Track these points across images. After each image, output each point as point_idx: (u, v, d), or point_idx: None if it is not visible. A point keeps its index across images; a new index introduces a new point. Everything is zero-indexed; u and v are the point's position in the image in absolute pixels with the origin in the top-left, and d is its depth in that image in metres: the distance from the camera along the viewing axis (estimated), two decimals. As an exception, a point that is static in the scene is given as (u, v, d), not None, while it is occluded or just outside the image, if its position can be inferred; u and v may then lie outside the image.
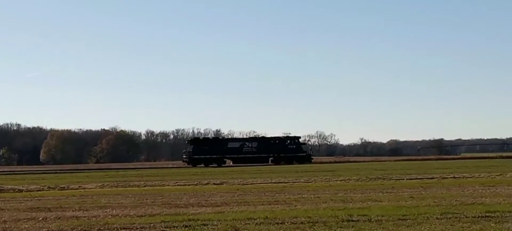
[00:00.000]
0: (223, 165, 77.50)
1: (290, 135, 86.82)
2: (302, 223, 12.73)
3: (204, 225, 13.34)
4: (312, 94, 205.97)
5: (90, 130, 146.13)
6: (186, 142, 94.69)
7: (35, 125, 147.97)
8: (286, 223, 12.89)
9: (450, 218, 13.14)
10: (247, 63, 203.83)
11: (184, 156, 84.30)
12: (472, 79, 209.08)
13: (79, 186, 33.21)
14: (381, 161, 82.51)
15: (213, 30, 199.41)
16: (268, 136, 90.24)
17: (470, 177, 35.13)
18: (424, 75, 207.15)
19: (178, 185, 33.45)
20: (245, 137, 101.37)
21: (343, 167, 56.45)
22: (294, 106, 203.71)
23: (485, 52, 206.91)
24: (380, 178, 36.09)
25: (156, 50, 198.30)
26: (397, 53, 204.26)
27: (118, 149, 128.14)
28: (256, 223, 13.01)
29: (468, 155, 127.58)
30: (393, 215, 13.63)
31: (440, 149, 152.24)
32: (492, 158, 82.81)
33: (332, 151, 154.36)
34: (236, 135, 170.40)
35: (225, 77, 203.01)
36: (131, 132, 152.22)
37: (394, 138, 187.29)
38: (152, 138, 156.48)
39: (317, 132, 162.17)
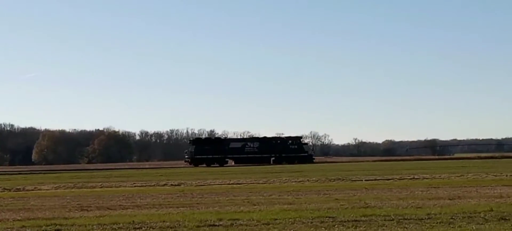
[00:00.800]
0: (225, 165, 77.46)
1: (292, 136, 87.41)
2: (151, 227, 12.82)
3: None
4: (306, 94, 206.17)
5: (84, 130, 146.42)
6: (188, 142, 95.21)
7: (29, 126, 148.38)
8: (129, 228, 12.89)
9: (312, 223, 13.02)
10: (242, 63, 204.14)
11: (186, 156, 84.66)
12: (469, 79, 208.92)
13: (35, 188, 33.38)
14: (364, 161, 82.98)
15: (208, 31, 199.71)
16: (269, 136, 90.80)
17: (428, 178, 35.20)
18: (421, 75, 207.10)
19: (134, 186, 33.61)
20: (247, 137, 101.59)
21: (322, 168, 56.41)
22: (289, 106, 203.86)
23: (481, 53, 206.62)
24: (340, 179, 36.22)
25: (151, 50, 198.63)
26: (394, 53, 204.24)
27: (110, 150, 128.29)
28: (111, 228, 13.07)
29: (461, 155, 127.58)
30: (263, 219, 13.66)
31: (432, 149, 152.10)
32: (481, 158, 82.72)
33: (326, 151, 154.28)
34: (231, 135, 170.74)
35: (220, 78, 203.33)
36: (125, 132, 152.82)
37: (389, 138, 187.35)
38: (147, 138, 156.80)
39: (311, 132, 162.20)
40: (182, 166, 77.36)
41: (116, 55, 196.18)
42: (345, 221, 13.04)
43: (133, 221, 13.97)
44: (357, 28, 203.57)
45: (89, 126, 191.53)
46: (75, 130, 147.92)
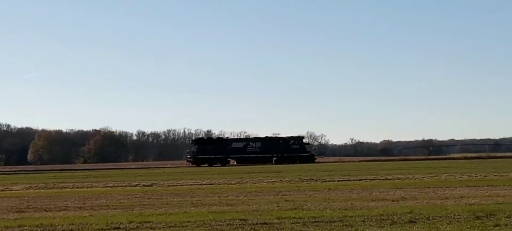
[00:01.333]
0: (227, 165, 77.88)
1: (294, 136, 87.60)
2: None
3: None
4: (303, 94, 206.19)
5: (81, 130, 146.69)
6: (190, 142, 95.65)
7: (26, 126, 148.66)
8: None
9: (216, 226, 12.91)
10: (238, 64, 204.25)
11: (188, 156, 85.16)
12: (466, 80, 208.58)
13: (6, 188, 33.41)
14: (350, 161, 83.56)
15: (204, 31, 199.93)
16: (270, 136, 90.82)
17: (401, 179, 35.10)
18: (418, 75, 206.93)
19: (105, 186, 33.55)
20: (248, 137, 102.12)
21: (311, 168, 56.27)
22: (285, 106, 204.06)
23: (478, 53, 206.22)
24: (313, 179, 36.12)
25: (149, 50, 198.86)
26: (392, 53, 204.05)
27: (106, 150, 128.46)
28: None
29: (455, 155, 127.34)
30: (173, 222, 13.58)
31: (427, 149, 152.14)
32: (468, 158, 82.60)
33: (323, 151, 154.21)
34: (228, 135, 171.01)
35: (217, 78, 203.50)
36: (122, 132, 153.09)
37: (387, 138, 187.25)
38: (144, 138, 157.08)
39: (307, 132, 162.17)
40: (174, 166, 77.32)
41: (113, 56, 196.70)
42: (253, 224, 12.93)
43: (41, 223, 13.93)
44: (354, 28, 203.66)
45: (87, 126, 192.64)
46: (72, 130, 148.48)
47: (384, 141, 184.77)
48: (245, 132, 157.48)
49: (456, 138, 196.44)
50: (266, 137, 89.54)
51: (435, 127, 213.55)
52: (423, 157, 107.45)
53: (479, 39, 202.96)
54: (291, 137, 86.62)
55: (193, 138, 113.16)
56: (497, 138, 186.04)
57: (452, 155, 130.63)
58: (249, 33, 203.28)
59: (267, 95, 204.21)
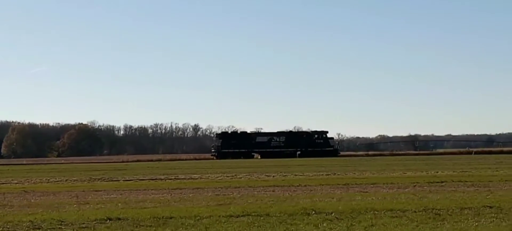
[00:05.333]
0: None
1: (318, 130, 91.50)
2: None
3: None
4: (294, 89, 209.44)
5: (60, 124, 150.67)
6: (215, 136, 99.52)
7: (4, 119, 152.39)
8: None
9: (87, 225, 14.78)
10: (225, 58, 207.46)
11: (212, 150, 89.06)
12: (463, 76, 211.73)
13: None
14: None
15: (192, 25, 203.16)
16: (295, 130, 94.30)
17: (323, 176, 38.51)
18: (415, 71, 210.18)
19: (33, 183, 35.94)
20: (273, 131, 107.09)
21: (316, 163, 58.72)
22: (273, 101, 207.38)
23: (475, 49, 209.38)
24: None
25: (135, 45, 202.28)
26: (387, 49, 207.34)
27: (81, 144, 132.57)
28: None
29: (441, 150, 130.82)
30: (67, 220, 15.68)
31: (413, 144, 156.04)
32: (457, 154, 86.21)
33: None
34: (214, 130, 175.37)
35: (204, 72, 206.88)
36: (109, 126, 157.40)
37: (382, 133, 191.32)
38: (131, 132, 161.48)
39: (295, 127, 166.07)
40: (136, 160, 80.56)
41: (100, 49, 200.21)
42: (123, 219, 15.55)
43: None
44: (349, 24, 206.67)
45: (73, 120, 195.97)
46: (58, 123, 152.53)
47: (379, 136, 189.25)
48: (232, 126, 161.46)
49: (453, 133, 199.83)
50: (290, 131, 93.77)
51: (431, 122, 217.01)
52: (425, 152, 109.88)
53: (476, 36, 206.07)
54: (315, 131, 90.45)
55: (217, 132, 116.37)
56: (493, 133, 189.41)
57: (436, 151, 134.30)
58: (237, 27, 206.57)
59: (254, 90, 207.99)
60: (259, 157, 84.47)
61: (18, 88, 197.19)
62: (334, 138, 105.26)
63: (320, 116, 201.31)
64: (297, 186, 27.34)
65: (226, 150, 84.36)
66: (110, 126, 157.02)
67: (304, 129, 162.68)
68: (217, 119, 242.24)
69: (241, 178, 35.00)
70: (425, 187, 25.48)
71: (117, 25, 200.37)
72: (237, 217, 15.78)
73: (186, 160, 76.34)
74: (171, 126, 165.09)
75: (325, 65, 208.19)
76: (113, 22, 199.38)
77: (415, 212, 16.31)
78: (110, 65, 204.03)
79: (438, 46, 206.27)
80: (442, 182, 28.41)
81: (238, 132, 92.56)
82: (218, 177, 36.22)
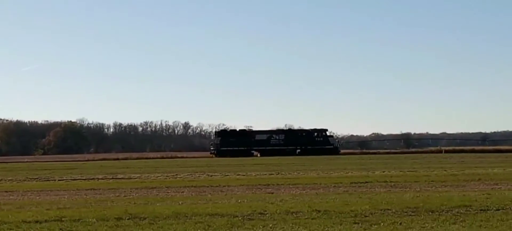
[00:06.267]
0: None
1: (318, 128, 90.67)
2: None
3: None
4: (283, 87, 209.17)
5: (48, 122, 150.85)
6: (214, 134, 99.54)
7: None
8: None
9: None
10: (215, 55, 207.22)
11: (211, 148, 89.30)
12: (459, 73, 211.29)
13: None
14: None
15: (182, 21, 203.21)
16: (295, 128, 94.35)
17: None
18: (411, 69, 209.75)
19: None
20: (273, 129, 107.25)
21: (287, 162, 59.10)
22: (263, 99, 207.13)
23: (470, 47, 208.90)
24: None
25: (125, 41, 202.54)
26: (381, 47, 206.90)
27: (67, 142, 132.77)
28: None
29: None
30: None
31: (405, 142, 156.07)
32: (428, 152, 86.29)
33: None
34: (205, 128, 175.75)
35: (194, 69, 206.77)
36: (98, 124, 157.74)
37: (376, 132, 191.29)
38: (121, 130, 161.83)
39: (285, 124, 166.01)
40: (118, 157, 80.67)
41: (89, 46, 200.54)
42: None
43: None
44: (342, 22, 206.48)
45: (62, 118, 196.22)
46: (47, 121, 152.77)
47: (373, 134, 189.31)
48: (223, 124, 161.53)
49: (448, 132, 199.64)
50: (290, 129, 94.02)
51: (426, 120, 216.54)
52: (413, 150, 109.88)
53: (470, 34, 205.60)
54: (315, 129, 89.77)
55: (216, 130, 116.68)
56: (488, 131, 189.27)
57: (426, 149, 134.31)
58: (227, 23, 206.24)
59: (244, 88, 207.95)
60: (258, 155, 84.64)
61: (9, 86, 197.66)
62: (334, 136, 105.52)
63: (313, 113, 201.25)
64: (216, 186, 27.18)
65: (225, 148, 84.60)
66: (99, 123, 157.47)
67: (296, 126, 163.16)
68: (208, 116, 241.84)
69: (177, 177, 34.84)
70: (341, 188, 25.27)
71: (109, 22, 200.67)
72: (44, 222, 15.22)
73: (153, 158, 76.26)
74: (161, 123, 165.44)
75: (318, 62, 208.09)
76: (105, 20, 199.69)
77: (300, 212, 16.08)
78: (102, 63, 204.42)
79: (433, 44, 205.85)
80: (365, 182, 28.21)
81: (237, 130, 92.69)
82: (158, 176, 36.13)
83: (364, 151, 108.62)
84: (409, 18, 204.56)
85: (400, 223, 13.80)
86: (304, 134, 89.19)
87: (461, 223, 13.54)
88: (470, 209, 16.04)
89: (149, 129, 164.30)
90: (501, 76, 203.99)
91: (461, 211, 15.74)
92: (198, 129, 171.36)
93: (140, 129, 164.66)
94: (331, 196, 20.78)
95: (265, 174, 36.90)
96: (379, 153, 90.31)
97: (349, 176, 33.64)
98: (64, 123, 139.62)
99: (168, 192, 24.41)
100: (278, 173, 38.05)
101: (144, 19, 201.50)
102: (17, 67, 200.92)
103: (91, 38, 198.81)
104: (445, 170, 37.64)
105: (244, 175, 36.08)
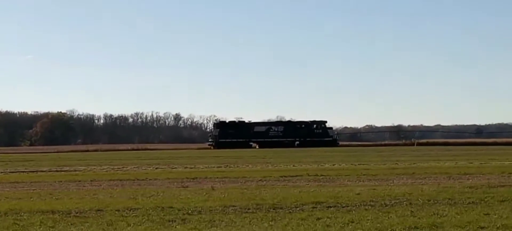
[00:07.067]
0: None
1: (317, 120, 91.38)
2: None
3: None
4: (275, 78, 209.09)
5: (38, 113, 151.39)
6: (212, 126, 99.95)
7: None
8: None
9: None
10: (206, 46, 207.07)
11: (210, 139, 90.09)
12: (453, 66, 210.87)
13: None
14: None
15: (171, 12, 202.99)
16: (295, 120, 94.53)
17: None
18: (406, 61, 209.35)
19: None
20: (271, 121, 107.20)
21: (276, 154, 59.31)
22: (256, 91, 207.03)
23: (465, 39, 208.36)
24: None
25: (114, 31, 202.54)
26: (377, 38, 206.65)
27: (54, 133, 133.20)
28: None
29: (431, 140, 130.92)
30: None
31: (397, 134, 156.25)
32: (401, 145, 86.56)
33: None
34: (197, 119, 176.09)
35: (185, 60, 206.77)
36: (89, 115, 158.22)
37: (370, 124, 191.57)
38: (111, 121, 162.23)
39: (277, 116, 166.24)
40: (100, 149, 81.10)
41: (79, 36, 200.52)
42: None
43: None
44: (336, 11, 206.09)
45: (53, 109, 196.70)
46: (37, 112, 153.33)
47: (366, 126, 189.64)
48: (214, 116, 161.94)
49: (442, 124, 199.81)
50: (289, 121, 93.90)
51: (420, 112, 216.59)
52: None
53: (464, 23, 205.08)
54: (314, 121, 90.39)
55: (215, 121, 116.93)
56: (482, 124, 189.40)
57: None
58: (218, 15, 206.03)
59: (236, 79, 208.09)
60: (257, 147, 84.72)
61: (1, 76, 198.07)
62: (333, 128, 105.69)
63: (306, 105, 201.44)
64: (142, 179, 27.39)
65: (224, 140, 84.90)
66: (90, 114, 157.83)
67: (288, 118, 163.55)
68: (200, 108, 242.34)
69: (120, 170, 35.03)
70: (253, 182, 25.11)
71: (102, 13, 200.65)
72: None
73: (125, 150, 76.62)
74: (152, 115, 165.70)
75: (311, 53, 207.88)
76: (97, 10, 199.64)
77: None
78: (95, 54, 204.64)
79: (428, 36, 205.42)
80: (294, 176, 28.33)
81: (236, 121, 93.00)
82: (103, 169, 36.43)
83: (365, 143, 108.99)
84: (403, 9, 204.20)
85: (215, 220, 13.57)
86: (303, 125, 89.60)
87: (271, 222, 13.22)
88: (310, 207, 15.66)
89: (139, 120, 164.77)
90: (496, 69, 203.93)
91: (297, 208, 15.46)
92: (189, 120, 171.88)
93: (131, 120, 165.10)
94: (220, 191, 20.75)
95: (213, 167, 37.15)
96: (376, 145, 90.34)
97: (285, 169, 33.75)
98: (52, 113, 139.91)
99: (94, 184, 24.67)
100: (227, 166, 38.23)
101: (136, 12, 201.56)
102: (8, 57, 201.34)
103: (87, 31, 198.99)
104: (383, 164, 37.70)
105: (185, 169, 36.29)
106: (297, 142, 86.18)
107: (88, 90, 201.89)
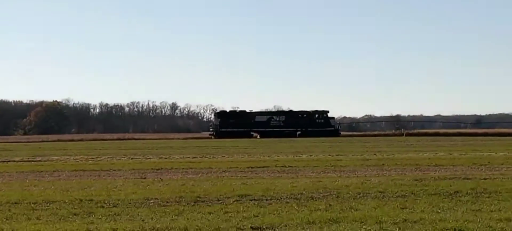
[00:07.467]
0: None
1: (319, 110, 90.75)
2: None
3: None
4: (274, 67, 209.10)
5: (34, 102, 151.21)
6: (213, 115, 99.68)
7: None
8: None
9: None
10: (202, 34, 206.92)
11: (210, 129, 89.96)
12: (453, 56, 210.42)
13: None
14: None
15: (169, 2, 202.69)
16: (295, 110, 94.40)
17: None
18: (404, 50, 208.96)
19: None
20: (273, 110, 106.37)
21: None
22: (253, 79, 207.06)
23: (465, 31, 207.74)
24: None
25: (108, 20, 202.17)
26: (378, 27, 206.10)
27: (48, 122, 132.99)
28: None
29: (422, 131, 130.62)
30: None
31: (394, 124, 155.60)
32: (391, 135, 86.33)
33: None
34: (193, 108, 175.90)
35: (181, 49, 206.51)
36: (84, 104, 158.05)
37: (369, 113, 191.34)
38: (107, 110, 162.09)
39: (274, 106, 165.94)
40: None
41: (74, 25, 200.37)
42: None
43: None
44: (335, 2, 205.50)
45: (49, 97, 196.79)
46: (32, 101, 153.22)
47: (365, 116, 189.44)
48: (211, 105, 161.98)
49: (442, 114, 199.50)
50: (290, 111, 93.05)
51: (421, 102, 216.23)
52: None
53: (467, 11, 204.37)
54: (316, 110, 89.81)
55: (216, 111, 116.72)
56: (483, 114, 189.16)
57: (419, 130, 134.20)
58: (217, 3, 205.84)
59: (233, 67, 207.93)
60: (258, 137, 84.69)
61: None
62: (335, 118, 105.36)
63: (304, 94, 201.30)
64: (106, 170, 27.11)
65: (225, 129, 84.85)
66: (85, 104, 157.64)
67: (285, 107, 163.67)
68: (196, 97, 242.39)
69: (92, 161, 34.75)
70: (229, 173, 24.88)
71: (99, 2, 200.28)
72: None
73: (109, 140, 76.36)
74: (148, 104, 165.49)
75: (310, 42, 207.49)
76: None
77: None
78: (90, 42, 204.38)
79: (430, 24, 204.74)
80: (261, 167, 28.04)
81: (237, 111, 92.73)
82: (77, 159, 36.22)
83: (366, 133, 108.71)
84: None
85: (121, 214, 13.27)
86: (305, 115, 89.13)
87: (176, 216, 12.88)
88: (233, 200, 15.32)
89: (136, 110, 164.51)
90: (497, 58, 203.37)
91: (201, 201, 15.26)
92: (186, 109, 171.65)
93: (127, 109, 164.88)
94: (165, 183, 20.48)
95: (189, 157, 36.92)
96: (376, 135, 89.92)
97: (257, 160, 33.46)
98: (46, 102, 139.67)
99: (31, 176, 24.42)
100: (203, 156, 37.96)
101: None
102: (4, 45, 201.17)
103: (77, 19, 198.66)
104: (361, 155, 37.39)
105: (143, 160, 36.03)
106: (299, 132, 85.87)
107: (85, 80, 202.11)
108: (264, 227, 11.23)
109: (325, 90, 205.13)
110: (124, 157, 37.72)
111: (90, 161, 34.12)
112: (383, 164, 28.82)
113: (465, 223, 11.07)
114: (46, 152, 45.41)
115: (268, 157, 36.75)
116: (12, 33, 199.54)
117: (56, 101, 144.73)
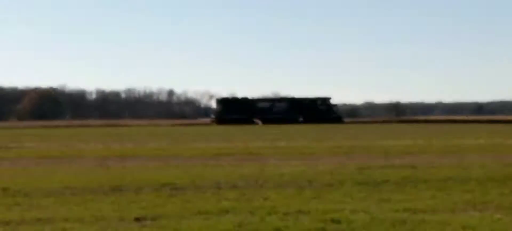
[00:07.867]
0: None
1: (321, 97, 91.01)
2: None
3: None
4: (272, 53, 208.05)
5: (29, 87, 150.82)
6: (216, 102, 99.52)
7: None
8: None
9: None
10: (200, 20, 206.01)
11: (212, 115, 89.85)
12: (455, 43, 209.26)
13: None
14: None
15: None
16: (298, 97, 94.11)
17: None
18: (405, 37, 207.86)
19: None
20: (275, 97, 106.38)
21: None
22: (251, 65, 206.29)
23: (466, 17, 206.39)
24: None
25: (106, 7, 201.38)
26: (376, 10, 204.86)
27: (42, 108, 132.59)
28: None
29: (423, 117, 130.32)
30: None
31: (394, 111, 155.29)
32: (380, 123, 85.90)
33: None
34: (190, 94, 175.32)
35: (178, 35, 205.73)
36: (80, 90, 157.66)
37: (369, 100, 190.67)
38: (103, 96, 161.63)
39: (272, 92, 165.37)
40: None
41: (72, 12, 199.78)
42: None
43: None
44: None
45: (44, 83, 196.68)
46: (27, 87, 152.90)
47: (365, 102, 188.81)
48: (209, 92, 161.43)
49: (443, 101, 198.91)
50: (293, 98, 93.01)
51: (421, 88, 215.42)
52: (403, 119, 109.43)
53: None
54: (318, 97, 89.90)
55: (218, 98, 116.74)
56: (483, 101, 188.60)
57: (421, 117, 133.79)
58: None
59: (230, 53, 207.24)
60: (260, 123, 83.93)
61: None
62: (337, 105, 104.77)
63: (302, 80, 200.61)
64: (70, 157, 26.71)
65: (227, 116, 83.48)
66: (81, 90, 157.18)
67: (283, 94, 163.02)
68: (192, 83, 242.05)
69: (65, 148, 34.23)
70: (193, 161, 24.20)
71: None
72: None
73: (93, 126, 75.95)
74: (145, 90, 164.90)
75: (310, 28, 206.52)
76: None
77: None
78: (88, 28, 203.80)
79: (431, 12, 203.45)
80: (227, 154, 27.63)
81: (239, 97, 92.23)
82: (50, 145, 35.88)
83: (369, 120, 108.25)
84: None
85: (34, 204, 12.64)
86: (307, 102, 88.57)
87: (82, 205, 12.33)
88: (151, 189, 14.82)
89: (132, 96, 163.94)
90: (498, 45, 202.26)
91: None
92: (183, 96, 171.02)
93: (124, 95, 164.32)
94: (111, 171, 19.94)
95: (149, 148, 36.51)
96: (376, 122, 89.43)
97: (225, 147, 33.02)
98: (40, 88, 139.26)
99: None
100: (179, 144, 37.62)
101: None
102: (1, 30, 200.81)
103: (74, 5, 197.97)
104: (333, 142, 36.93)
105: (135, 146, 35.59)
106: (301, 119, 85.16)
107: (82, 66, 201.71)
108: (149, 217, 10.64)
109: (324, 76, 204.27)
110: (99, 144, 37.30)
111: (64, 148, 33.64)
112: (345, 152, 28.29)
113: (352, 213, 10.38)
114: (19, 138, 45.11)
115: (245, 144, 36.16)
116: (6, 20, 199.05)
117: (51, 87, 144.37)
